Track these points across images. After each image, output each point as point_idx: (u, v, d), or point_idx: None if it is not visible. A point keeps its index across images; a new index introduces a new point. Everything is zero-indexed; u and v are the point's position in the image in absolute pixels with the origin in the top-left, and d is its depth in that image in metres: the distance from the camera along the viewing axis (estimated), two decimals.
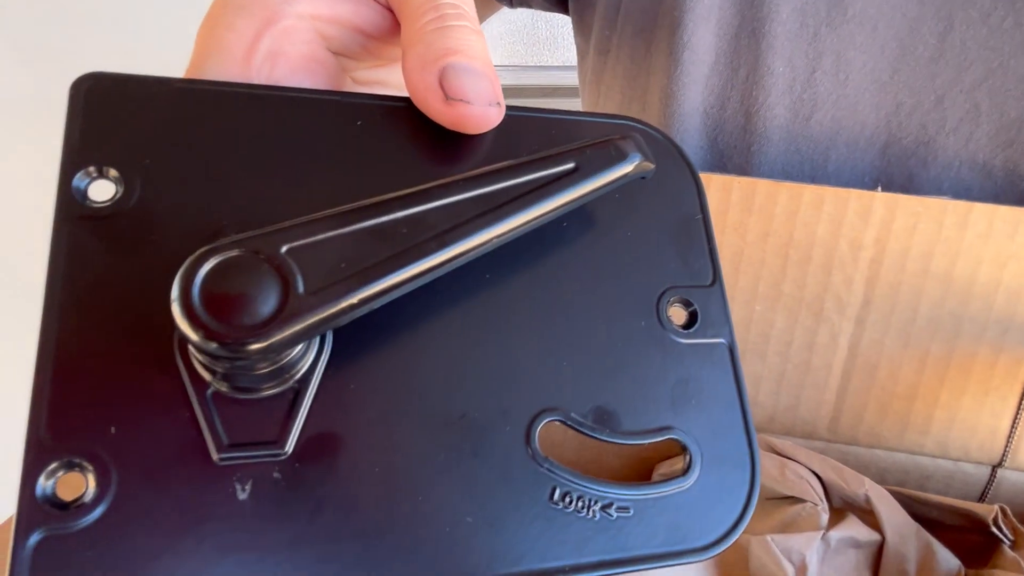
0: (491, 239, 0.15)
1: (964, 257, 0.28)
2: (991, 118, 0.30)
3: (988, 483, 0.30)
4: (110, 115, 0.16)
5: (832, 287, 0.29)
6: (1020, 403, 0.29)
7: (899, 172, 0.32)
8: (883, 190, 0.28)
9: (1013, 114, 0.30)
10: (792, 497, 0.26)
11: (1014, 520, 0.26)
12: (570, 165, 0.16)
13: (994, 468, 0.30)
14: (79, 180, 0.15)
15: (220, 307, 0.13)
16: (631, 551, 0.15)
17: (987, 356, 0.29)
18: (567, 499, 0.15)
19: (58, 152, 0.15)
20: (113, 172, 0.15)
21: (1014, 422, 0.29)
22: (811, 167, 0.32)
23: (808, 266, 0.29)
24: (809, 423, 0.31)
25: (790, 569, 0.22)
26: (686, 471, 0.16)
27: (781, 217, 0.28)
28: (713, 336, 0.17)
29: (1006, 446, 0.29)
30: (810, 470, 0.27)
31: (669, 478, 0.16)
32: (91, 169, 0.15)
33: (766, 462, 0.27)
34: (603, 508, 0.15)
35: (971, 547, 0.26)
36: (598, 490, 0.15)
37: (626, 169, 0.17)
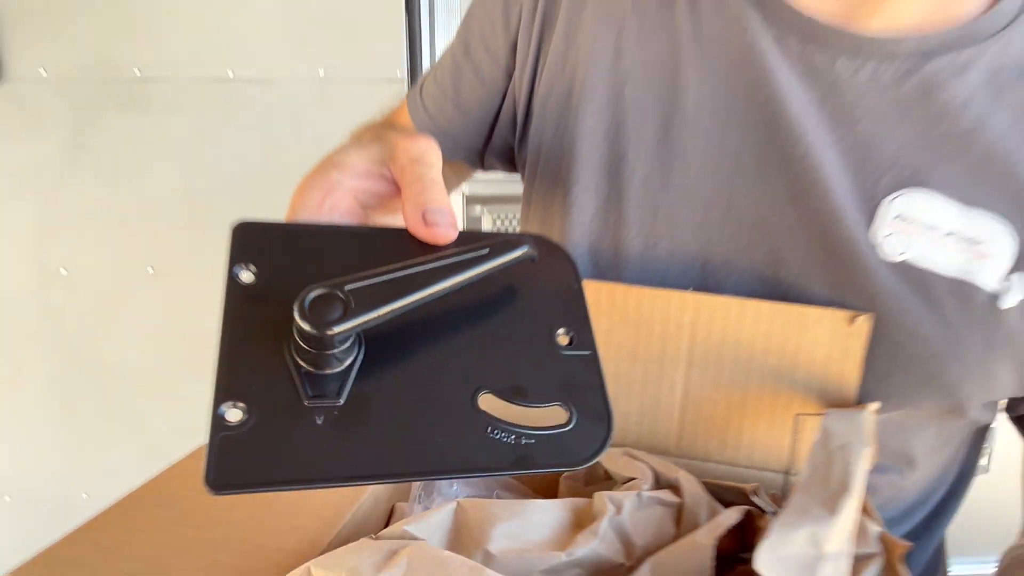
0: (450, 286, 0.30)
1: (749, 332, 0.44)
2: (762, 248, 0.48)
3: (784, 485, 0.45)
4: (251, 239, 0.31)
5: (668, 351, 0.45)
6: (794, 428, 0.44)
7: (711, 281, 0.49)
8: (697, 291, 0.44)
9: (775, 244, 0.47)
10: (632, 478, 0.40)
11: (767, 497, 0.40)
12: (486, 251, 0.31)
13: (786, 474, 0.45)
14: (237, 269, 0.30)
15: (316, 313, 0.27)
16: (534, 460, 0.29)
17: (770, 396, 0.44)
18: (496, 433, 0.29)
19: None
20: (252, 267, 0.31)
21: (793, 441, 0.44)
22: (657, 279, 0.49)
23: (651, 337, 0.45)
24: (662, 443, 0.46)
25: (611, 509, 0.36)
26: (567, 422, 0.30)
27: (634, 308, 0.45)
28: (584, 350, 0.32)
29: (790, 457, 0.44)
30: (648, 465, 0.41)
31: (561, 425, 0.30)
32: (241, 264, 0.30)
33: (622, 460, 0.42)
34: (517, 438, 0.29)
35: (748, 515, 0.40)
36: (515, 429, 0.29)
37: (517, 253, 0.32)
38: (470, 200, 1.42)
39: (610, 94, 0.51)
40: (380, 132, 0.40)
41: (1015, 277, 0.45)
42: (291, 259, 0.31)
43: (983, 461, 1.56)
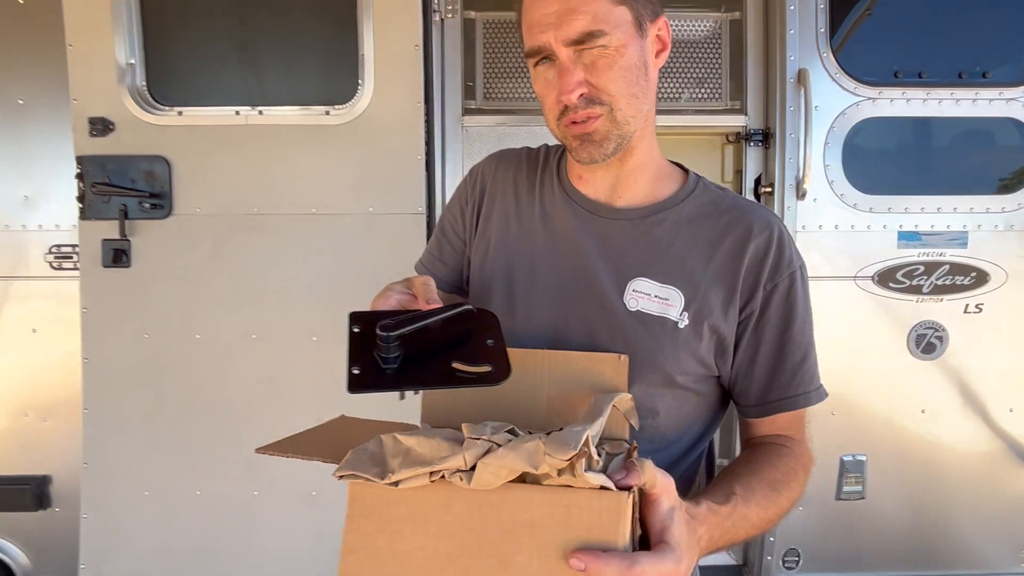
0: (436, 320, 0.79)
1: (572, 367, 1.01)
2: (576, 317, 0.97)
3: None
4: (356, 316, 0.80)
5: (533, 375, 1.05)
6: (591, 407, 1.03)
7: (558, 341, 0.95)
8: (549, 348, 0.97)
9: (582, 313, 0.96)
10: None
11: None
12: (453, 307, 0.84)
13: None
14: (353, 327, 0.76)
15: (383, 331, 0.73)
16: (476, 383, 0.74)
17: (585, 396, 1.04)
18: (460, 374, 0.74)
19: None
20: (356, 326, 0.77)
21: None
22: (530, 344, 0.97)
23: (524, 370, 1.05)
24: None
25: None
26: (491, 369, 0.76)
27: (519, 358, 1.02)
28: (497, 345, 0.84)
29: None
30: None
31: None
32: (355, 324, 0.77)
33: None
34: (470, 376, 0.73)
35: None
36: (467, 373, 0.75)
37: (464, 307, 0.79)
38: None
39: (506, 253, 1.01)
40: (401, 280, 0.88)
41: (684, 314, 0.92)
42: (371, 322, 0.75)
43: (858, 488, 2.14)
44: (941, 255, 2.04)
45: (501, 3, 2.19)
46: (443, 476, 0.66)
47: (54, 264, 2.07)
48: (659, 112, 0.99)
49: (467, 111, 2.10)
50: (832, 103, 2.01)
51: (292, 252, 1.94)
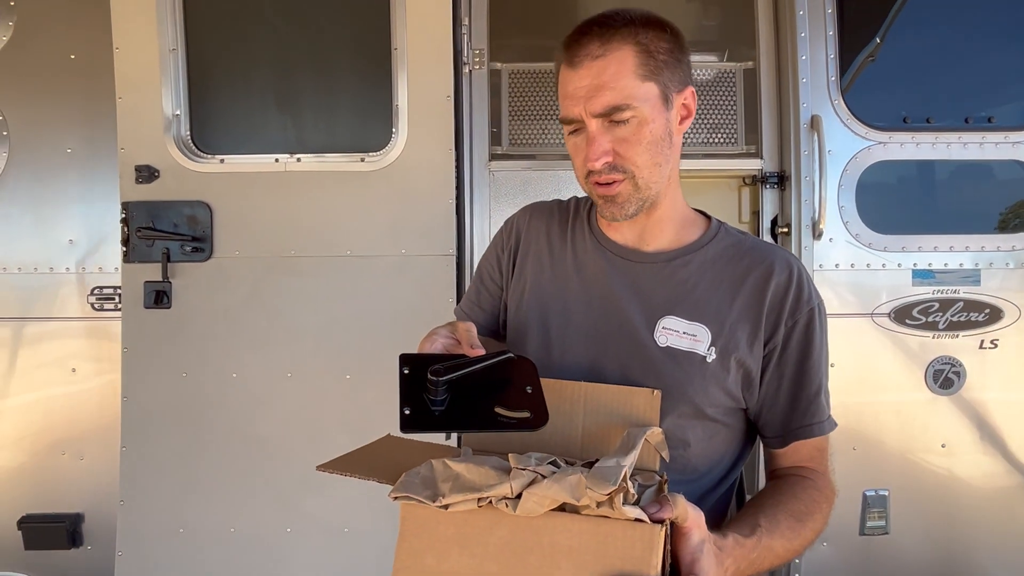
0: (482, 367, 0.86)
1: (608, 400, 1.03)
2: (611, 354, 1.02)
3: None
4: (406, 358, 0.84)
5: (569, 407, 1.09)
6: (626, 438, 1.09)
7: (593, 376, 0.99)
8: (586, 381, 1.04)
9: (615, 350, 1.02)
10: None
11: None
12: (496, 356, 0.89)
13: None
14: (403, 368, 0.82)
15: (434, 375, 0.79)
16: (516, 427, 0.80)
17: (619, 429, 1.09)
18: (502, 418, 0.80)
19: None
20: (407, 367, 0.82)
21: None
22: (567, 376, 1.00)
23: (562, 401, 1.09)
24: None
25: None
26: (530, 415, 0.81)
27: (556, 389, 1.00)
28: (535, 390, 0.89)
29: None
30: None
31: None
32: (405, 366, 0.83)
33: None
34: (510, 419, 0.84)
35: None
36: (508, 417, 0.81)
37: (507, 355, 0.85)
38: None
39: (540, 297, 1.09)
40: (446, 324, 0.94)
41: (712, 349, 0.98)
42: (419, 364, 0.82)
43: (882, 523, 2.16)
44: (955, 292, 2.10)
45: (525, 55, 2.30)
46: (490, 502, 0.71)
47: (95, 305, 2.14)
48: (680, 157, 1.05)
49: (493, 156, 2.18)
50: (844, 147, 2.10)
51: (327, 293, 2.00)
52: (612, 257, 1.07)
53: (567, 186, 2.18)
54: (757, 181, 2.20)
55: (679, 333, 1.00)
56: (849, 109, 2.10)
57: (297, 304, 2.01)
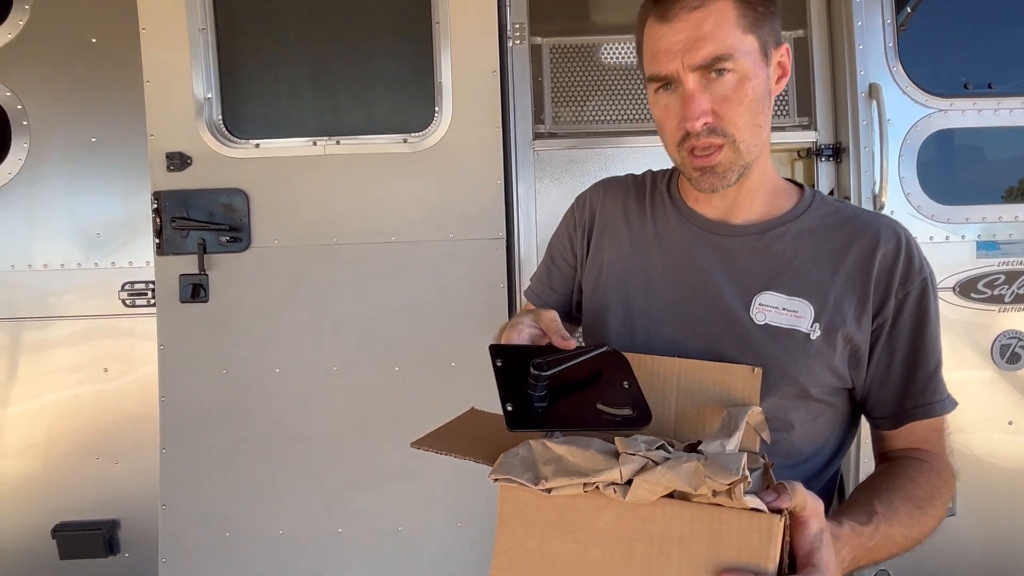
0: (581, 360, 0.82)
1: (704, 377, 0.95)
2: (701, 332, 0.96)
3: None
4: (495, 349, 0.81)
5: (661, 384, 0.99)
6: (727, 419, 1.00)
7: (681, 352, 0.92)
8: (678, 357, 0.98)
9: (706, 328, 0.95)
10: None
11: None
12: (593, 348, 0.84)
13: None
14: (496, 360, 0.78)
15: (536, 368, 0.75)
16: (622, 426, 0.80)
17: (717, 408, 1.01)
18: (607, 416, 0.78)
19: None
20: (499, 359, 0.79)
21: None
22: (654, 352, 0.95)
23: (654, 378, 1.00)
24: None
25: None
26: (633, 413, 0.80)
27: (647, 366, 0.94)
28: (633, 384, 0.84)
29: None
30: None
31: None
32: (497, 358, 0.79)
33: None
34: (614, 417, 0.80)
35: None
36: (613, 415, 0.81)
37: (604, 348, 0.83)
38: None
39: (620, 275, 1.03)
40: (527, 312, 0.89)
41: (816, 325, 0.92)
42: (510, 355, 0.80)
43: (949, 505, 2.06)
44: (1021, 264, 2.03)
45: (566, 29, 2.21)
46: (597, 487, 0.68)
47: (127, 301, 2.05)
48: None
49: (537, 135, 2.09)
50: (904, 116, 2.01)
51: (372, 281, 1.92)
52: (698, 231, 1.01)
53: (614, 165, 2.09)
54: (811, 154, 2.12)
55: (778, 309, 0.94)
56: (908, 76, 2.01)
57: (340, 294, 1.92)
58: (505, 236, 1.92)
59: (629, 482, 0.67)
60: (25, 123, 2.02)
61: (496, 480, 0.71)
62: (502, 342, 0.84)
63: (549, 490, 0.69)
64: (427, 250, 1.91)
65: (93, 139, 2.03)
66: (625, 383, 0.81)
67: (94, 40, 2.01)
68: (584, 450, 0.70)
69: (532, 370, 0.74)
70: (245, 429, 1.91)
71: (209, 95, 1.92)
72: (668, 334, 0.98)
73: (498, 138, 1.91)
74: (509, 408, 0.74)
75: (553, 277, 1.15)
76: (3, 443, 2.05)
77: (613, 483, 0.68)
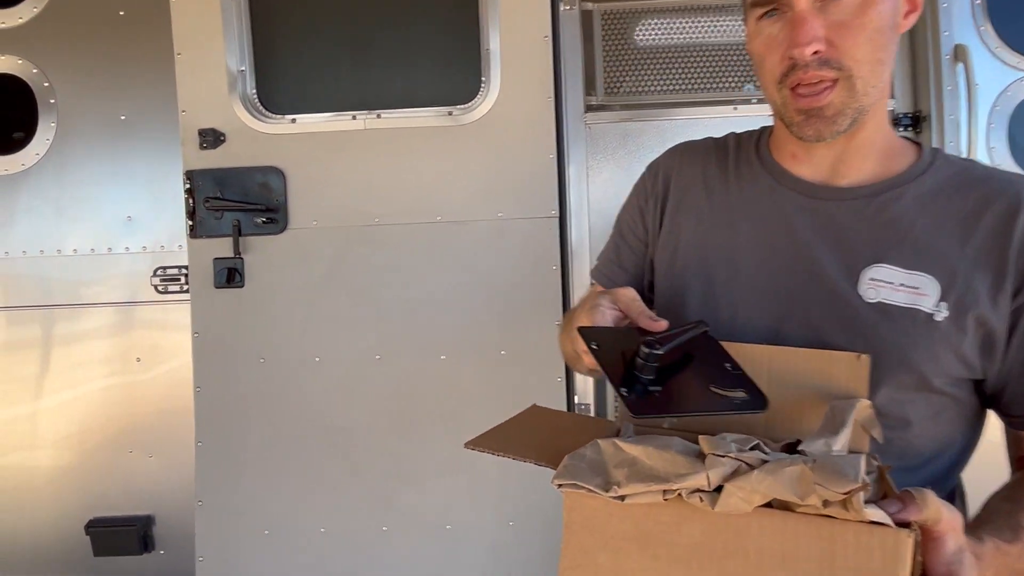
0: (684, 339, 0.71)
1: (801, 366, 0.78)
2: (798, 312, 0.82)
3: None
4: (587, 332, 0.70)
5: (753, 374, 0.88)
6: (831, 413, 0.86)
7: (775, 338, 0.79)
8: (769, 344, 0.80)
9: (804, 310, 0.82)
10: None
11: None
12: (692, 325, 0.73)
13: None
14: (591, 344, 0.69)
15: (649, 347, 0.65)
16: (740, 408, 0.65)
17: (817, 401, 0.87)
18: (724, 399, 0.65)
19: None
20: (595, 342, 0.69)
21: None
22: (738, 338, 0.76)
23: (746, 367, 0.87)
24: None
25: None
26: (747, 396, 0.67)
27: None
28: (738, 370, 0.71)
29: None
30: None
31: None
32: (592, 341, 0.69)
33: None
34: (731, 400, 0.66)
35: None
36: (731, 397, 0.66)
37: (704, 328, 0.72)
38: None
39: (700, 250, 0.92)
40: (599, 294, 0.79)
41: (942, 304, 0.78)
42: (605, 337, 0.71)
43: None
44: None
45: None
46: (679, 495, 0.60)
47: (160, 287, 1.95)
48: None
49: (589, 108, 1.96)
50: (993, 80, 1.84)
51: (416, 264, 1.80)
52: (795, 196, 0.87)
53: (672, 139, 1.93)
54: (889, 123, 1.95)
55: (894, 285, 0.80)
56: (999, 36, 1.84)
57: (383, 278, 1.81)
58: (558, 214, 1.79)
59: (719, 489, 0.59)
60: (52, 101, 1.93)
61: (561, 487, 0.64)
62: (587, 321, 0.76)
63: (623, 498, 0.61)
64: (474, 230, 1.79)
65: (122, 117, 1.93)
66: (727, 364, 0.71)
67: (122, 13, 1.91)
68: (663, 451, 0.62)
69: (644, 348, 0.65)
70: (283, 421, 1.82)
71: (243, 68, 1.81)
72: (758, 316, 0.85)
73: (550, 109, 1.78)
74: (625, 393, 0.65)
75: (622, 254, 1.03)
76: (34, 436, 1.98)
77: (699, 490, 0.59)
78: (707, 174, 0.96)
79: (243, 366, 1.81)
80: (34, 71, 1.92)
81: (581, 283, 1.83)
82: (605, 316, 0.75)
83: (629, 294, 0.76)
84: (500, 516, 1.79)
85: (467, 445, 0.74)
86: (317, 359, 1.82)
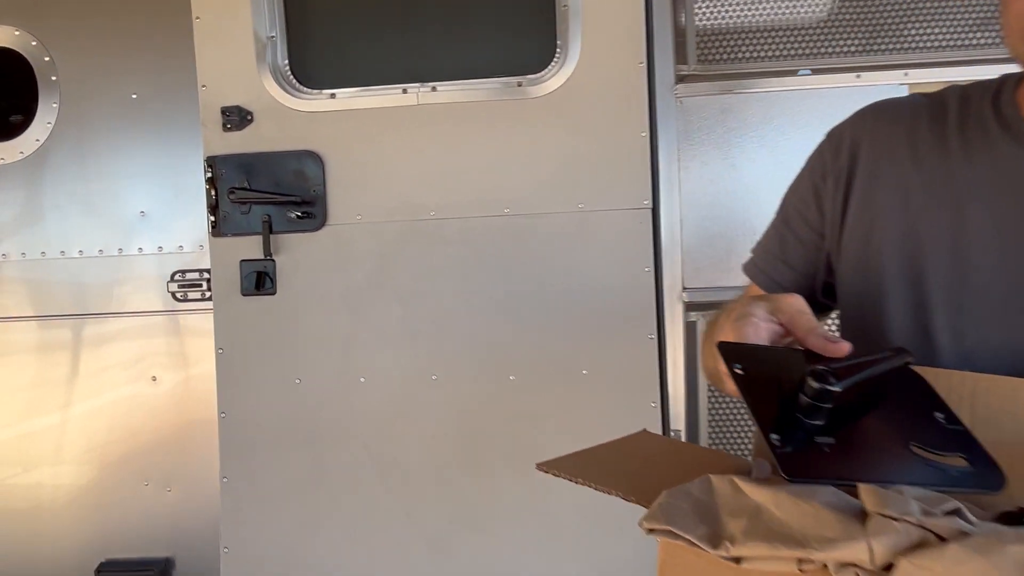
0: (876, 373, 0.49)
1: None
2: None
3: None
4: (729, 350, 0.53)
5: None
6: None
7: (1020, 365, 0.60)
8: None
9: None
10: None
11: None
12: (886, 354, 0.51)
13: None
14: (735, 366, 0.51)
15: (819, 379, 0.46)
16: (960, 484, 0.46)
17: None
18: (931, 466, 0.48)
19: None
20: (738, 365, 0.52)
21: None
22: (968, 366, 0.60)
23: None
24: None
25: None
26: (970, 467, 0.47)
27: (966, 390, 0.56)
28: (957, 425, 0.49)
29: None
30: None
31: None
32: (735, 363, 0.52)
33: None
34: (944, 472, 0.46)
35: None
36: (943, 466, 0.47)
37: (907, 358, 0.52)
38: (688, 307, 1.59)
39: (904, 231, 0.72)
40: (753, 299, 0.62)
41: None
42: (756, 359, 0.54)
43: None
44: None
45: None
46: (823, 568, 0.43)
47: (178, 295, 1.70)
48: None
49: (679, 78, 1.65)
50: None
51: (480, 266, 1.52)
52: None
53: (780, 113, 1.63)
54: None
55: None
56: None
57: (440, 283, 1.53)
58: (651, 205, 1.49)
59: (889, 567, 0.42)
60: (54, 78, 1.68)
61: (652, 531, 0.49)
62: (733, 337, 0.60)
63: (738, 560, 0.45)
64: (550, 225, 1.51)
65: (134, 95, 1.69)
66: (939, 414, 0.53)
67: None
68: (803, 501, 0.46)
69: (812, 381, 0.48)
70: (323, 453, 1.55)
71: (273, 34, 1.54)
72: (996, 337, 0.67)
73: (642, 77, 1.49)
74: (778, 442, 0.48)
75: (788, 247, 0.84)
76: (37, 469, 1.73)
77: (855, 565, 0.42)
78: (916, 140, 0.75)
79: (275, 388, 1.55)
80: (33, 43, 1.69)
81: (673, 287, 1.54)
82: (759, 331, 0.59)
83: (795, 303, 0.60)
84: (582, 569, 1.52)
85: (539, 466, 0.61)
86: (362, 379, 1.54)
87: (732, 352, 0.55)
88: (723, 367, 0.55)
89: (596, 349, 1.50)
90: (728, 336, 0.59)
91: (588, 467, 0.61)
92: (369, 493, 1.54)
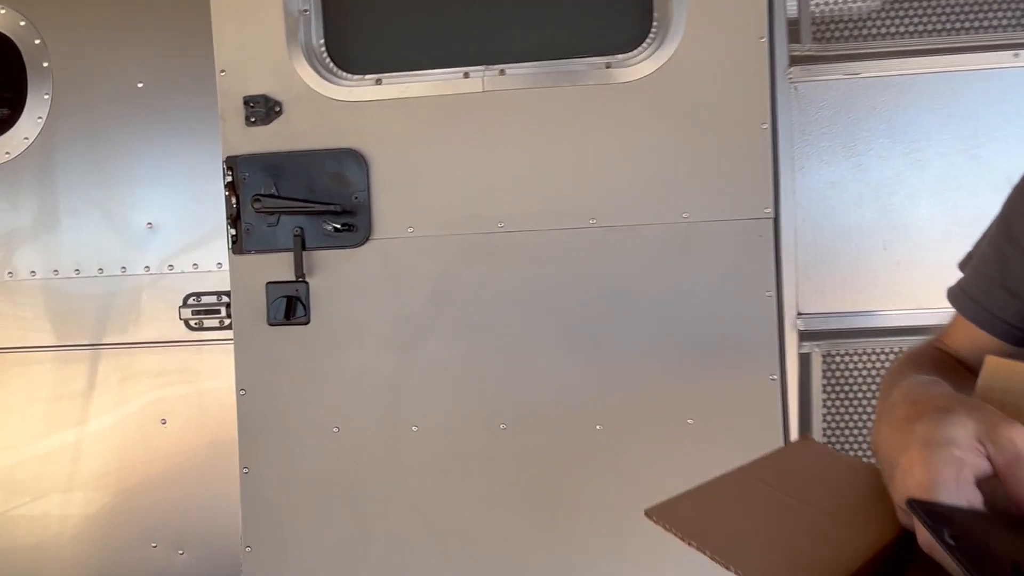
0: None
1: None
2: None
3: None
4: (934, 514, 0.38)
5: None
6: None
7: None
8: None
9: None
10: None
11: None
12: None
13: None
14: (937, 524, 0.36)
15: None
16: None
17: None
18: None
19: None
20: (948, 537, 0.37)
21: None
22: None
23: None
24: None
25: None
26: None
27: None
28: None
29: None
30: None
31: None
32: (944, 530, 0.37)
33: None
34: None
35: None
36: None
37: None
38: (803, 335, 1.31)
39: None
40: (959, 409, 0.43)
41: None
42: (969, 528, 0.37)
43: None
44: None
45: None
46: None
47: (192, 322, 1.43)
48: None
49: (794, 60, 1.37)
50: None
51: (559, 290, 1.25)
52: None
53: (918, 100, 1.35)
54: None
55: None
56: None
57: (510, 310, 1.26)
58: (773, 214, 1.21)
59: None
60: (45, 64, 1.43)
61: None
62: (920, 488, 0.43)
63: None
64: (646, 238, 1.23)
65: (139, 84, 1.44)
66: None
67: None
68: None
69: None
70: (367, 518, 1.29)
71: (306, 8, 1.27)
72: None
73: (763, 56, 1.21)
74: None
75: (1010, 269, 0.67)
76: (23, 529, 1.47)
77: None
78: None
79: (309, 438, 1.28)
80: (21, 24, 1.46)
81: (787, 313, 1.26)
82: (962, 473, 0.41)
83: (1020, 442, 0.41)
84: None
85: (648, 513, 0.49)
86: (414, 428, 1.27)
87: (934, 515, 0.40)
88: (919, 525, 0.42)
89: (704, 393, 1.22)
90: (916, 463, 0.43)
91: (708, 516, 0.49)
92: (422, 565, 1.27)
